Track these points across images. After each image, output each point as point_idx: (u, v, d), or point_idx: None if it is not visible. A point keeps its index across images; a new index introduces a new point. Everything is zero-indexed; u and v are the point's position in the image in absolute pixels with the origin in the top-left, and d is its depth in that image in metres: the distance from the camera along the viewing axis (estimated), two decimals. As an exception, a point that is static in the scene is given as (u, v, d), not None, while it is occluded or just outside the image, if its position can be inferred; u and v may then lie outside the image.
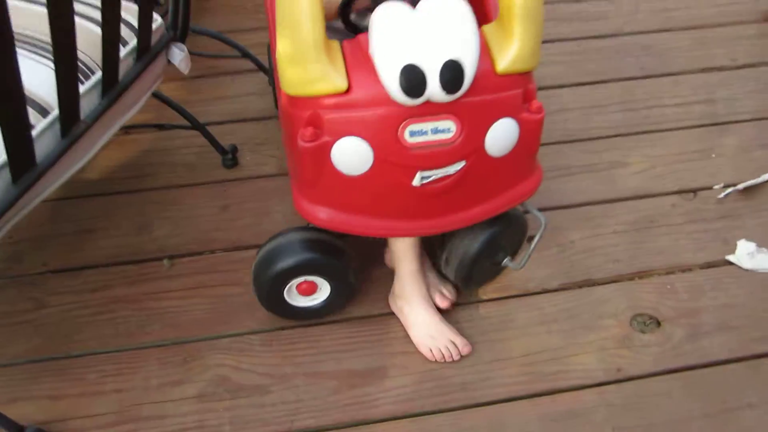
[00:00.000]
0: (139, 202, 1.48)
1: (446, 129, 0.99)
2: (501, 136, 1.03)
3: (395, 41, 0.92)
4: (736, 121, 1.69)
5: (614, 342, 1.24)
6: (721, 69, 1.84)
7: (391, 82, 0.92)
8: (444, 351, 1.19)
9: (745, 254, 1.39)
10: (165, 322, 1.23)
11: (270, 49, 1.56)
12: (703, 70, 1.83)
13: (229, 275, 1.31)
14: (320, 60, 0.95)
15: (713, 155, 1.60)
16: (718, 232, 1.44)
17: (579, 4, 2.05)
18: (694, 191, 1.52)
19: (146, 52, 1.23)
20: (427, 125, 0.98)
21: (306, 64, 0.95)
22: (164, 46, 1.29)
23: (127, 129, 1.64)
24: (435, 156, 1.01)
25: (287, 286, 1.18)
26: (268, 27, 1.36)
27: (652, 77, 1.80)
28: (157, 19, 1.25)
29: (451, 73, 0.93)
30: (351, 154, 0.99)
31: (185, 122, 1.57)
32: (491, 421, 1.12)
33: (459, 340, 1.20)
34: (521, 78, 1.03)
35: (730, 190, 1.51)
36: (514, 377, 1.18)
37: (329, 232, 1.15)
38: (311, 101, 0.98)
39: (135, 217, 1.45)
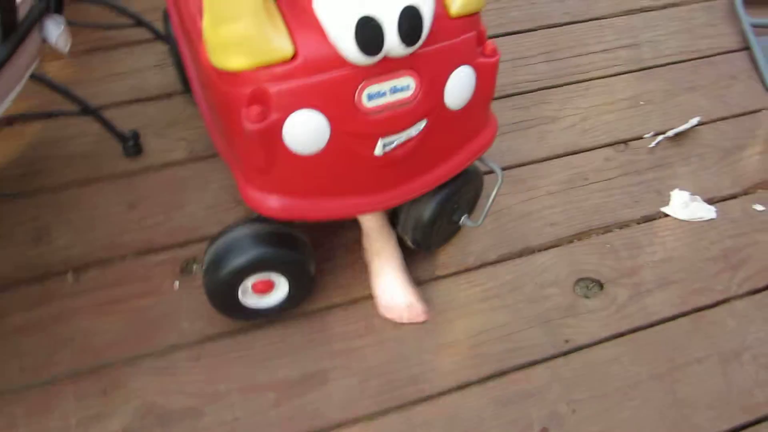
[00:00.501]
0: (32, 206, 1.31)
1: (405, 87, 0.89)
2: (460, 86, 0.95)
3: None
4: (662, 65, 1.66)
5: (559, 312, 1.21)
6: (644, 10, 1.79)
7: (345, 40, 0.81)
8: (398, 313, 1.15)
9: (680, 204, 1.38)
10: (76, 348, 1.10)
11: (168, 15, 1.39)
12: (627, 12, 1.78)
13: (144, 284, 1.18)
14: (260, 22, 0.81)
15: (641, 102, 1.57)
16: (651, 184, 1.42)
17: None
18: (626, 142, 1.49)
19: (12, 30, 1.05)
20: (385, 85, 0.88)
21: (242, 29, 0.81)
22: (35, 20, 1.11)
23: (8, 120, 1.45)
24: (396, 118, 0.91)
25: (241, 288, 1.06)
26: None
27: (578, 23, 1.74)
28: (22, -10, 1.07)
29: (410, 22, 0.82)
30: (305, 130, 0.87)
31: (76, 107, 1.39)
32: (445, 413, 1.07)
33: (416, 308, 1.16)
34: (473, 20, 0.93)
35: (660, 138, 1.49)
36: (462, 363, 1.13)
37: (281, 222, 1.04)
38: (252, 74, 0.84)
39: (29, 224, 1.28)
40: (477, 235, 1.31)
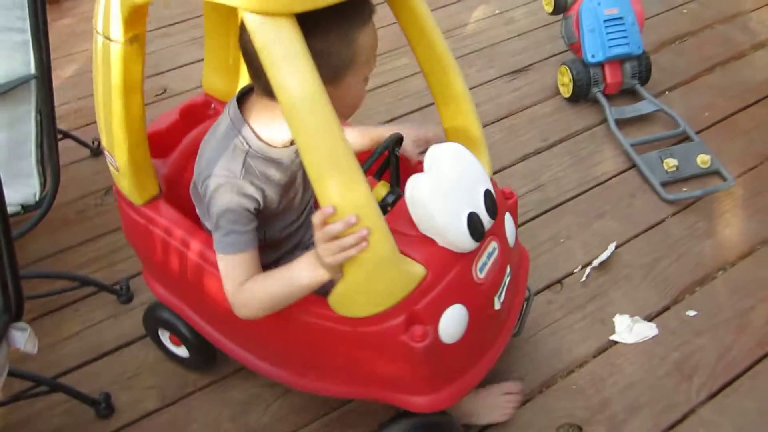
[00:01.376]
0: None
1: (494, 248, 1.11)
2: (510, 227, 1.18)
3: (445, 205, 0.99)
4: (568, 199, 1.84)
5: (550, 468, 1.27)
6: (537, 152, 2.01)
7: (461, 237, 1.01)
8: (508, 405, 1.32)
9: (624, 329, 1.50)
10: None
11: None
12: (523, 158, 1.99)
13: None
14: (398, 263, 0.98)
15: (561, 239, 1.73)
16: (594, 315, 1.54)
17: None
18: (560, 281, 1.63)
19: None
20: (485, 255, 1.09)
21: (385, 272, 0.97)
22: (2, 332, 1.16)
23: (-27, 414, 1.44)
24: (497, 274, 1.12)
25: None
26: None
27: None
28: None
29: (490, 200, 1.06)
30: (453, 322, 1.03)
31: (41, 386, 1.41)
32: None
33: (506, 386, 1.34)
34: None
35: (588, 269, 1.63)
36: None
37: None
38: (401, 305, 1.00)
39: None
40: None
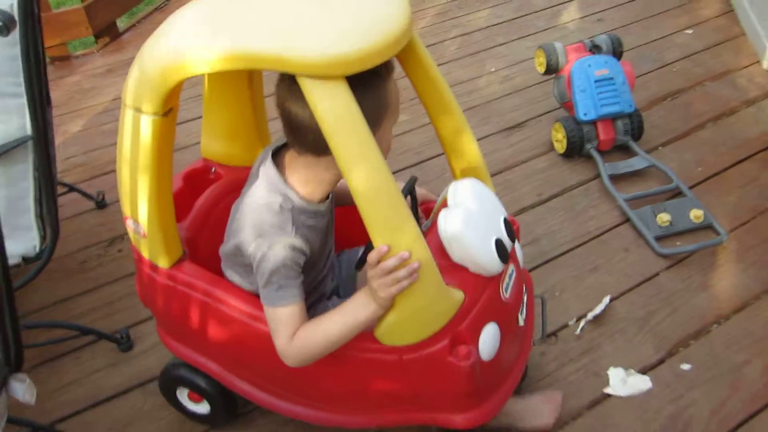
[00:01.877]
0: None
1: (513, 270, 1.22)
2: (518, 251, 1.29)
3: (476, 235, 1.10)
4: (562, 253, 1.87)
5: None
6: (532, 206, 2.05)
7: (492, 262, 1.12)
8: (553, 412, 1.40)
9: (618, 382, 1.50)
10: None
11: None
12: (519, 212, 2.03)
13: None
14: (442, 294, 1.08)
15: (557, 293, 1.75)
16: (588, 367, 1.55)
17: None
18: (555, 334, 1.63)
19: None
20: (507, 276, 1.20)
21: (434, 300, 1.08)
22: (1, 384, 1.17)
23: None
24: (517, 294, 1.24)
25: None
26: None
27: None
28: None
29: (508, 226, 1.17)
30: (489, 339, 1.14)
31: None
32: None
33: (549, 394, 1.43)
34: None
35: (582, 323, 1.64)
36: None
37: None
38: (444, 329, 1.10)
39: None
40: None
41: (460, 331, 1.10)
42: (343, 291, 1.38)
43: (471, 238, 1.10)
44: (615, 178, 2.07)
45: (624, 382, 1.50)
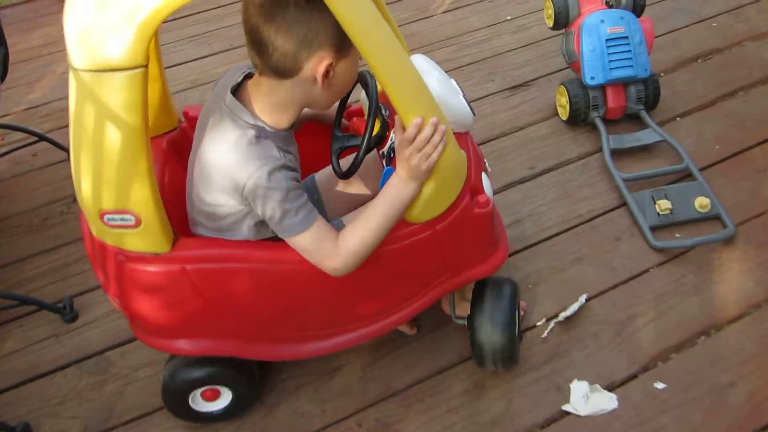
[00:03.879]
0: None
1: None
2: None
3: (450, 92, 1.25)
4: (545, 239, 1.68)
5: None
6: (521, 181, 1.85)
7: (467, 115, 1.26)
8: None
9: (580, 398, 1.34)
10: None
11: None
12: (506, 187, 1.83)
13: None
14: (461, 153, 1.16)
15: (529, 285, 1.57)
16: (550, 378, 1.39)
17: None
18: (519, 334, 1.47)
19: None
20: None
21: (461, 161, 1.16)
22: None
23: None
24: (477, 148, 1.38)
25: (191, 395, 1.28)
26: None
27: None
28: None
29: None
30: (487, 185, 1.26)
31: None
32: None
33: None
34: None
35: (552, 324, 1.48)
36: None
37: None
38: (465, 185, 1.17)
39: None
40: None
41: (473, 184, 1.20)
42: None
43: (449, 98, 1.20)
44: (619, 153, 1.85)
45: (586, 399, 1.34)
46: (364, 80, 1.20)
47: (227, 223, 1.15)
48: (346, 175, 1.21)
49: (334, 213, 1.32)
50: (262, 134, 1.09)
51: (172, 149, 1.31)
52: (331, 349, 1.29)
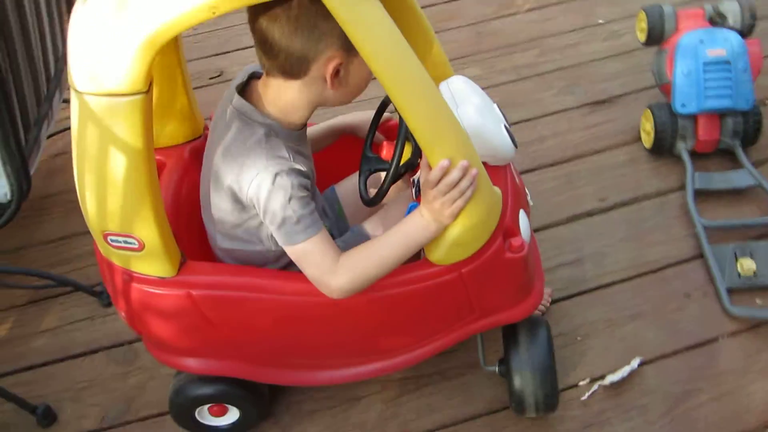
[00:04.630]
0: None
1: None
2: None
3: (489, 122, 1.13)
4: (606, 285, 1.52)
5: None
6: (589, 214, 1.68)
7: (506, 146, 1.14)
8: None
9: (616, 479, 1.21)
10: None
11: None
12: (570, 219, 1.67)
13: None
14: (495, 195, 1.07)
15: (578, 337, 1.43)
16: (584, 451, 1.26)
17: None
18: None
19: None
20: (512, 168, 1.26)
21: (494, 203, 1.07)
22: None
23: None
24: (516, 174, 1.30)
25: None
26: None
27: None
28: None
29: (501, 111, 1.23)
30: (524, 226, 1.16)
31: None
32: None
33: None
34: None
35: (595, 387, 1.34)
36: None
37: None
38: (498, 227, 1.09)
39: None
40: None
41: (508, 225, 1.11)
42: (338, 231, 1.27)
43: (488, 128, 1.11)
44: (704, 194, 1.65)
45: (623, 481, 1.20)
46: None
47: (242, 232, 1.10)
48: (371, 203, 1.15)
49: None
50: (272, 132, 1.05)
51: (194, 157, 1.25)
52: (345, 379, 1.24)
